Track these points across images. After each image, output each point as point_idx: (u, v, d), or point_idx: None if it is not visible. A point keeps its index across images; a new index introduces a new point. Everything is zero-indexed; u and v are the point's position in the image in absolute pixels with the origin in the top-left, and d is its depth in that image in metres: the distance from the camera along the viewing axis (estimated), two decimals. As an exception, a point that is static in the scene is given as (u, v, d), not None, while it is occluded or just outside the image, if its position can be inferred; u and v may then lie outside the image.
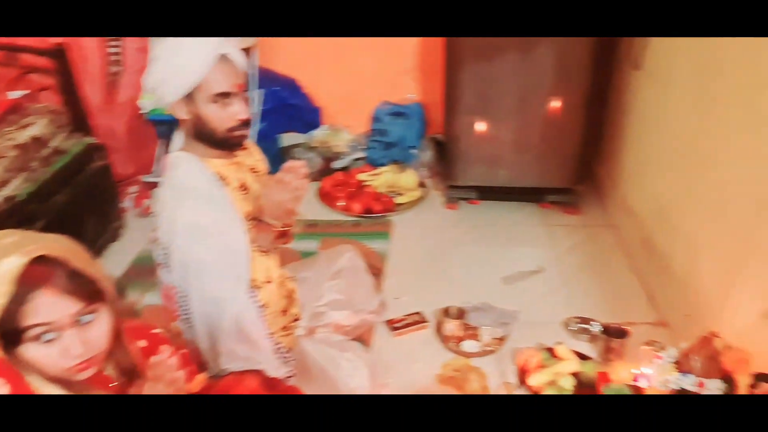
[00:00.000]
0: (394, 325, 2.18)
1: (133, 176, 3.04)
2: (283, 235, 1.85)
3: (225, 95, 1.55)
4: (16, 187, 2.10)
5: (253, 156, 1.87)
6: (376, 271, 2.52)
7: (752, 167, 1.72)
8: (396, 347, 2.13)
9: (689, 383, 1.52)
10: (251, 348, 1.64)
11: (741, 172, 1.78)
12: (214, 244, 1.57)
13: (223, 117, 1.56)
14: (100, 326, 1.08)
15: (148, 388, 1.19)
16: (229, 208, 1.61)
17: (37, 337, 1.01)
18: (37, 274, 1.00)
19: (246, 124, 1.61)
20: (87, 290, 1.05)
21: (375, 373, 1.88)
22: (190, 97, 1.54)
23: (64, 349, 1.03)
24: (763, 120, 1.66)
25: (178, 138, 1.70)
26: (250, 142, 1.90)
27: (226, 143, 1.62)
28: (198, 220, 1.55)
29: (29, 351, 1.02)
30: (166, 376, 1.18)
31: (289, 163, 1.70)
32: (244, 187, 1.72)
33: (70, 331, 1.03)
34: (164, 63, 1.54)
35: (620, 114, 2.80)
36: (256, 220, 1.73)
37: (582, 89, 2.68)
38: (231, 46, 1.55)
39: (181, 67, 1.51)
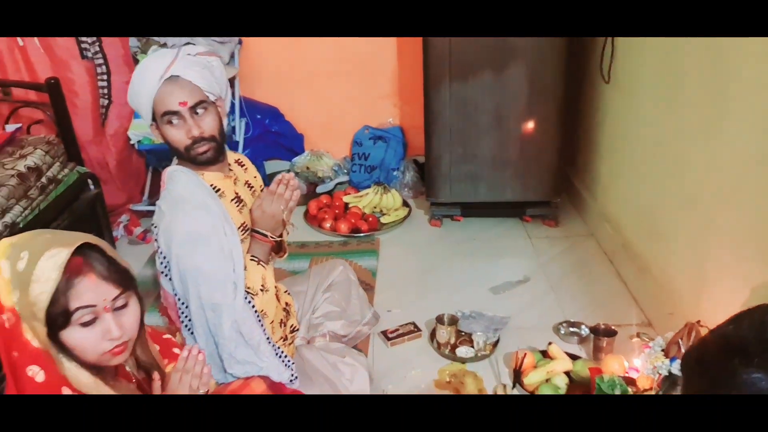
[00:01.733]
0: (388, 335, 2.24)
1: (124, 205, 3.08)
2: (279, 249, 1.92)
3: (172, 113, 1.61)
4: (17, 214, 2.14)
5: (250, 173, 1.94)
6: (367, 286, 2.59)
7: (714, 165, 1.85)
8: (392, 356, 2.18)
9: (677, 368, 1.60)
10: (252, 352, 1.68)
11: (704, 171, 1.91)
12: (211, 252, 1.62)
13: (178, 136, 1.64)
14: (132, 312, 1.17)
15: (175, 381, 1.24)
16: (224, 217, 1.67)
17: (80, 321, 1.09)
18: (79, 262, 1.09)
19: (201, 139, 1.64)
20: (121, 277, 1.14)
21: (374, 378, 1.93)
22: (155, 119, 1.64)
23: (104, 331, 1.11)
24: (721, 121, 1.79)
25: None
26: (247, 160, 1.99)
27: (193, 160, 1.68)
28: (195, 228, 1.62)
29: (73, 334, 1.09)
30: (195, 369, 1.24)
31: (281, 175, 1.79)
32: (239, 200, 1.79)
33: (109, 315, 1.12)
34: (131, 89, 1.65)
35: (593, 127, 2.94)
36: (250, 231, 1.79)
37: (556, 105, 2.80)
38: (183, 66, 1.61)
39: (140, 91, 1.62)
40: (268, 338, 1.73)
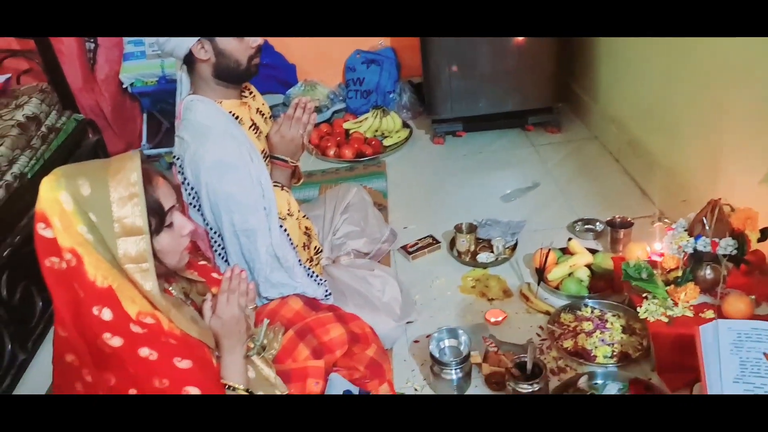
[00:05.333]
0: (409, 250, 2.26)
1: (124, 152, 3.02)
2: (294, 174, 1.92)
3: None
4: (24, 164, 2.11)
5: (258, 100, 1.92)
6: (380, 206, 2.60)
7: (718, 50, 1.84)
8: (415, 269, 2.22)
9: (702, 245, 1.62)
10: (287, 275, 1.70)
11: (710, 58, 1.90)
12: (241, 178, 1.62)
13: (242, 47, 1.63)
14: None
15: (223, 301, 1.25)
16: (249, 144, 1.66)
17: (167, 223, 1.14)
18: (148, 170, 1.13)
19: (260, 50, 1.68)
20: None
21: (403, 288, 1.96)
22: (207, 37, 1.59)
23: (179, 228, 1.17)
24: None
25: (186, 85, 1.74)
26: (254, 87, 1.96)
27: (248, 73, 1.68)
28: (222, 157, 1.60)
29: (163, 238, 1.15)
30: (241, 287, 1.26)
31: (297, 99, 1.80)
32: (255, 127, 1.78)
33: (178, 213, 1.18)
34: None
35: (590, 28, 2.89)
36: (269, 158, 1.79)
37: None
38: None
39: None
40: (299, 260, 1.75)
